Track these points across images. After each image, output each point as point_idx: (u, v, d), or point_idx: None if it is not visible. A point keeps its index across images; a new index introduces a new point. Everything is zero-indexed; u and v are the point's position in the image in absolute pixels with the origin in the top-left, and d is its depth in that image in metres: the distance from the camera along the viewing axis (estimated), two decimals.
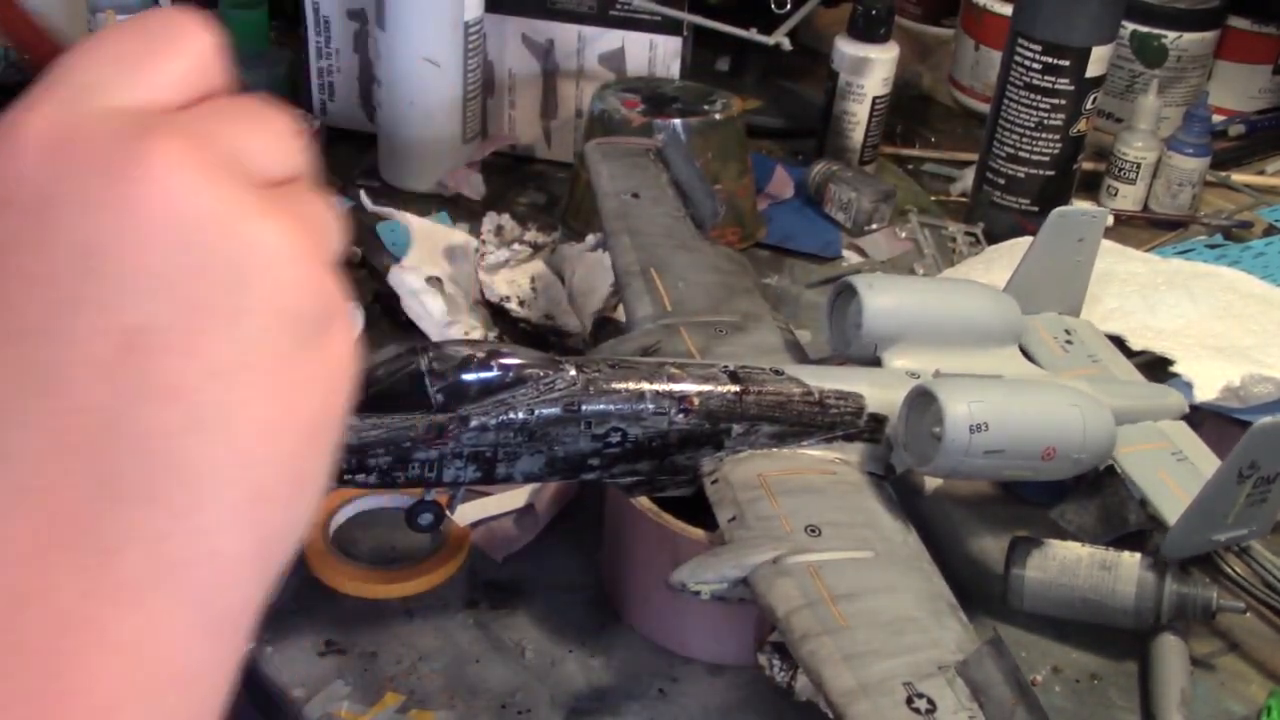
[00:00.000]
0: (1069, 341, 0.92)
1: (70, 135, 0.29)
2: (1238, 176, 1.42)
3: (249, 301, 0.29)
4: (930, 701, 0.60)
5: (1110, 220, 1.22)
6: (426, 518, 0.74)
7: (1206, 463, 0.81)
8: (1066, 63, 1.16)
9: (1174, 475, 0.81)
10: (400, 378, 0.68)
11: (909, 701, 0.60)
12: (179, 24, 0.32)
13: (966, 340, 0.83)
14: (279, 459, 0.31)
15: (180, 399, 0.29)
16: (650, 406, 0.72)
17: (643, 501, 0.75)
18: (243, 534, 0.30)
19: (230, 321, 0.29)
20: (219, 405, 0.29)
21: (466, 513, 0.85)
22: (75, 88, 0.30)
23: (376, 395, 0.68)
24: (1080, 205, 1.25)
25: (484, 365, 0.69)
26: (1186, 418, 0.87)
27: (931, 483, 0.82)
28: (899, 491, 0.76)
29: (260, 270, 0.30)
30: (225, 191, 0.29)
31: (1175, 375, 0.95)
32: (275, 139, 0.32)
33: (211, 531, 0.29)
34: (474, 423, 0.69)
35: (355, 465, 0.68)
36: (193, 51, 0.31)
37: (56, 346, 0.28)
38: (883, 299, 0.81)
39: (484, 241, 1.07)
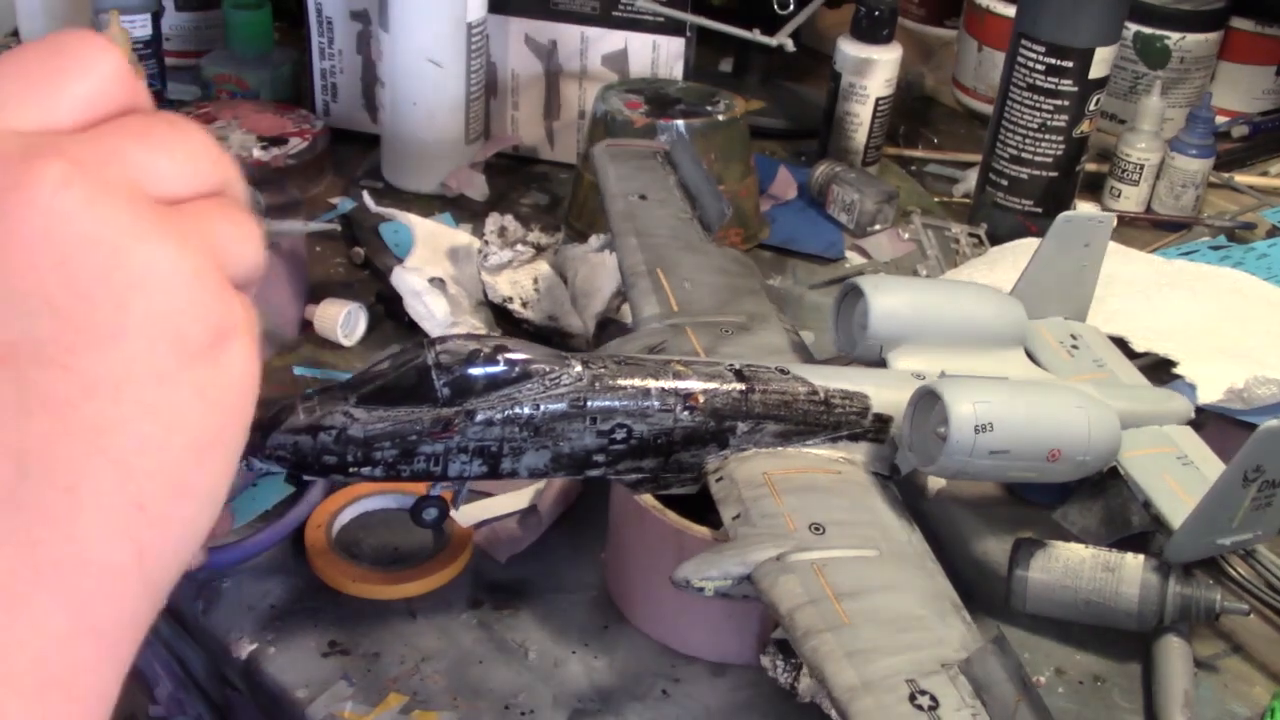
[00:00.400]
0: (1074, 346, 0.91)
1: None
2: (1241, 178, 1.42)
3: (129, 321, 0.30)
4: (933, 698, 0.60)
5: (1114, 222, 1.22)
6: (431, 513, 0.73)
7: (1211, 467, 0.81)
8: (1069, 64, 1.16)
9: (1178, 480, 0.81)
10: (406, 371, 0.68)
11: (912, 698, 0.60)
12: (84, 46, 0.32)
13: (972, 342, 0.83)
14: (161, 473, 0.31)
15: (57, 413, 0.29)
16: (656, 403, 0.72)
17: (647, 499, 0.75)
18: (122, 544, 0.31)
19: (110, 340, 0.30)
20: (97, 419, 0.30)
21: (469, 513, 0.85)
22: None
23: (383, 388, 0.68)
24: (1086, 210, 1.25)
25: (490, 360, 0.69)
26: (1189, 420, 0.87)
27: (936, 483, 0.81)
28: (903, 492, 0.76)
29: (143, 291, 0.30)
30: (111, 213, 0.30)
31: (1178, 377, 0.95)
32: (187, 157, 0.32)
33: (88, 540, 0.30)
34: (480, 417, 0.68)
35: (361, 458, 0.68)
36: (98, 73, 0.32)
37: None
38: (889, 300, 0.81)
39: (487, 242, 1.07)
